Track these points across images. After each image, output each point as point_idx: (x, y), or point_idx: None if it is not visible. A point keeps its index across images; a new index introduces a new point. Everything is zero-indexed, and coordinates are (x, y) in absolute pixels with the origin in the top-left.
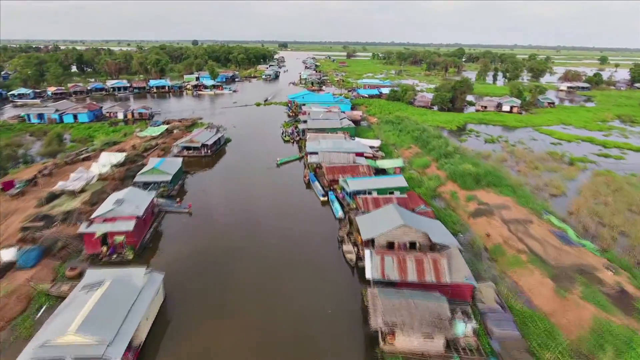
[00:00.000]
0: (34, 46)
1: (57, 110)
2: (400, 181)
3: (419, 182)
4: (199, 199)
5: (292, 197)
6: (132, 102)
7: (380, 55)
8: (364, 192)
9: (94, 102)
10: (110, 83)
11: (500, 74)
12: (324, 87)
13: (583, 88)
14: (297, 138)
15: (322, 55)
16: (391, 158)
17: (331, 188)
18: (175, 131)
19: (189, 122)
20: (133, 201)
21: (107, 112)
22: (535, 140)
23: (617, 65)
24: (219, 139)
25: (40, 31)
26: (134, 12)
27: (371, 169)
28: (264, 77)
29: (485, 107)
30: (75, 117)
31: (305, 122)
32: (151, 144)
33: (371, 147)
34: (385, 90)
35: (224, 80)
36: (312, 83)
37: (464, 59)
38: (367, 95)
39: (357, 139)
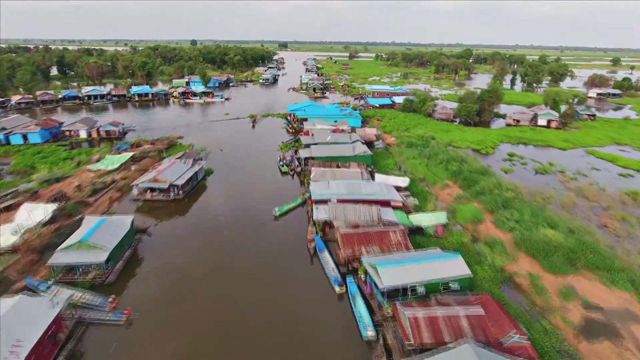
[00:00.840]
0: (22, 46)
1: (2, 129)
2: (458, 266)
3: (475, 254)
4: (148, 287)
5: (291, 279)
6: (109, 114)
7: (383, 56)
8: (404, 289)
9: (52, 118)
10: (85, 90)
11: (515, 78)
12: (327, 94)
13: (614, 95)
14: (299, 169)
15: (323, 55)
16: (427, 209)
17: (349, 268)
18: (132, 167)
19: (164, 143)
20: (14, 330)
21: (67, 130)
22: (597, 170)
23: (632, 67)
24: (196, 173)
25: (40, 31)
26: (134, 12)
27: (406, 234)
28: (261, 81)
29: (518, 120)
30: (25, 137)
31: (307, 147)
32: (105, 182)
33: (397, 189)
34: (399, 99)
35: (217, 85)
36: (315, 89)
37: (470, 60)
38: (377, 105)
39: (377, 175)
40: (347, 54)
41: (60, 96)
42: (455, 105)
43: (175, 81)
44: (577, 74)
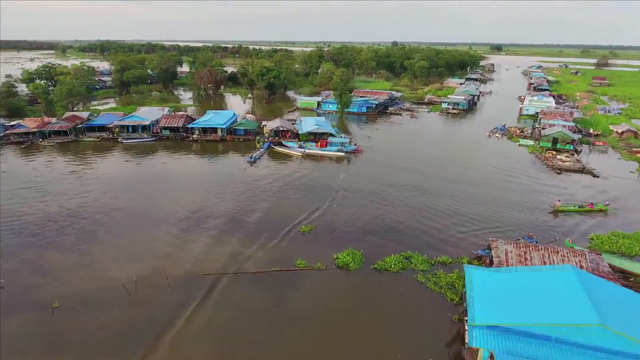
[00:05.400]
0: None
1: None
2: None
3: None
4: None
5: None
6: (113, 164)
7: None
8: None
9: None
10: (117, 118)
11: None
12: (587, 155)
13: None
14: None
15: (550, 63)
16: None
17: None
18: None
19: None
20: None
21: None
22: None
23: None
24: None
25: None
26: (332, 13)
27: None
28: (444, 106)
29: None
30: None
31: None
32: None
33: None
34: None
35: (364, 111)
36: (555, 143)
37: None
38: None
39: None
40: (592, 61)
41: (80, 125)
42: None
43: (302, 100)
44: None
